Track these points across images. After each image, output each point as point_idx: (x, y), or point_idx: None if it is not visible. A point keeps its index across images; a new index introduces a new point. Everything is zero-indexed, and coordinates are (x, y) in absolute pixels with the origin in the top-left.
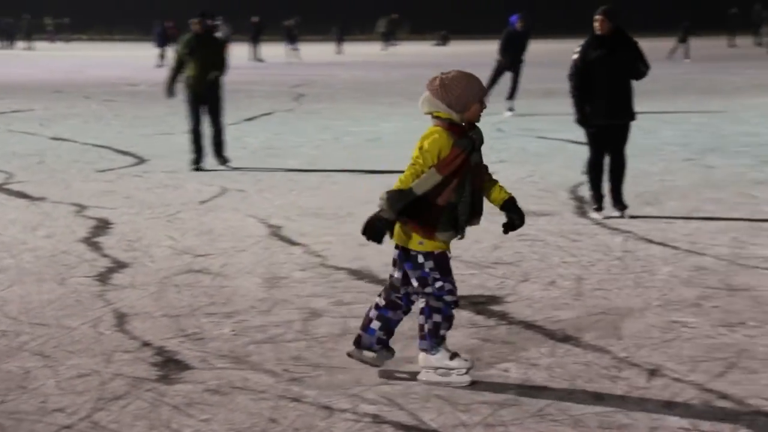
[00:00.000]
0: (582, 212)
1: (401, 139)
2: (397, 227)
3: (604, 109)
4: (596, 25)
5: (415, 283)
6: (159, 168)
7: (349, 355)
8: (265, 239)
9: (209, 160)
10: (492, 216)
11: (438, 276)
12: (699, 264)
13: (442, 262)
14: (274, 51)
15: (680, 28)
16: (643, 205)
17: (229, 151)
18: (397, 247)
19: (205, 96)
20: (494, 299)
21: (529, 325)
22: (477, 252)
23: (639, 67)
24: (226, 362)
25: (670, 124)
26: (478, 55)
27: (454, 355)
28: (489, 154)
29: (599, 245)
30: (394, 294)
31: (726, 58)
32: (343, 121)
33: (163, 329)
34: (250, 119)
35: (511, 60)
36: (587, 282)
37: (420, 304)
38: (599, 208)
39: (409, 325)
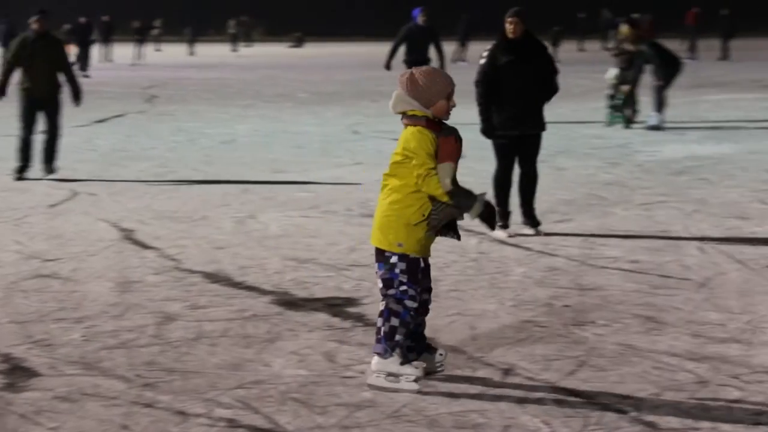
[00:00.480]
0: None
1: (256, 141)
2: (374, 226)
3: (515, 119)
4: (510, 27)
5: (379, 284)
6: (5, 170)
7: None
8: (118, 243)
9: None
10: (350, 218)
11: (405, 280)
12: (551, 265)
13: (413, 268)
14: (125, 51)
15: (550, 33)
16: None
17: (79, 153)
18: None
19: (44, 101)
20: (351, 301)
21: None
22: (334, 254)
23: (554, 78)
24: (77, 368)
25: None
26: (333, 56)
27: (405, 361)
28: (345, 156)
29: (454, 247)
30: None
31: (577, 62)
32: (197, 123)
33: (10, 336)
34: (101, 121)
35: (415, 59)
36: (443, 283)
37: (380, 306)
38: (505, 226)
39: (267, 328)
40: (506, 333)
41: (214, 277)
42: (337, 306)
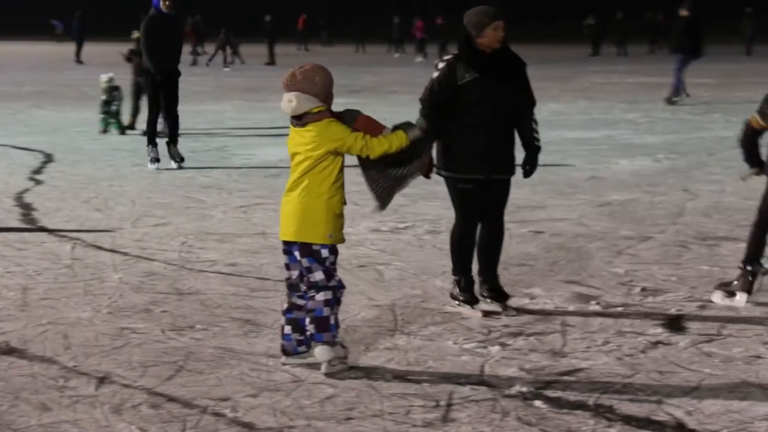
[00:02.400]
0: (29, 219)
1: None
2: (295, 224)
3: (483, 157)
4: (497, 34)
5: (320, 276)
6: None
7: (284, 364)
8: None
9: None
10: None
11: (335, 269)
12: (149, 269)
13: (336, 256)
14: None
15: (220, 38)
16: (92, 211)
17: None
18: (287, 249)
19: None
20: None
21: None
22: None
23: (532, 108)
24: None
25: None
26: None
27: (343, 345)
28: None
29: (46, 253)
30: (295, 295)
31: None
32: None
33: None
34: None
35: (161, 62)
36: (34, 292)
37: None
38: (473, 300)
39: None
40: (102, 341)
41: None
42: None
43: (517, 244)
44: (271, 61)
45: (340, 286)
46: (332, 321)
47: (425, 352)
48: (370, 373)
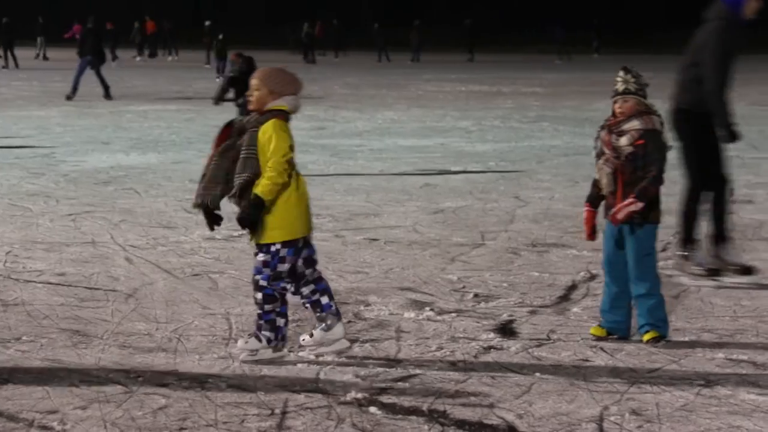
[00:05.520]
0: None
1: None
2: (307, 217)
3: None
4: None
5: (317, 263)
6: None
7: (302, 345)
8: None
9: None
10: None
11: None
12: None
13: None
14: None
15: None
16: None
17: None
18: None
19: None
20: None
21: None
22: None
23: None
24: None
25: None
26: None
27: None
28: None
29: None
30: (293, 285)
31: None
32: None
33: None
34: None
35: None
36: None
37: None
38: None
39: None
40: None
41: None
42: None
43: (352, 251)
44: (6, 65)
45: None
46: (334, 306)
47: (260, 360)
48: (204, 382)
